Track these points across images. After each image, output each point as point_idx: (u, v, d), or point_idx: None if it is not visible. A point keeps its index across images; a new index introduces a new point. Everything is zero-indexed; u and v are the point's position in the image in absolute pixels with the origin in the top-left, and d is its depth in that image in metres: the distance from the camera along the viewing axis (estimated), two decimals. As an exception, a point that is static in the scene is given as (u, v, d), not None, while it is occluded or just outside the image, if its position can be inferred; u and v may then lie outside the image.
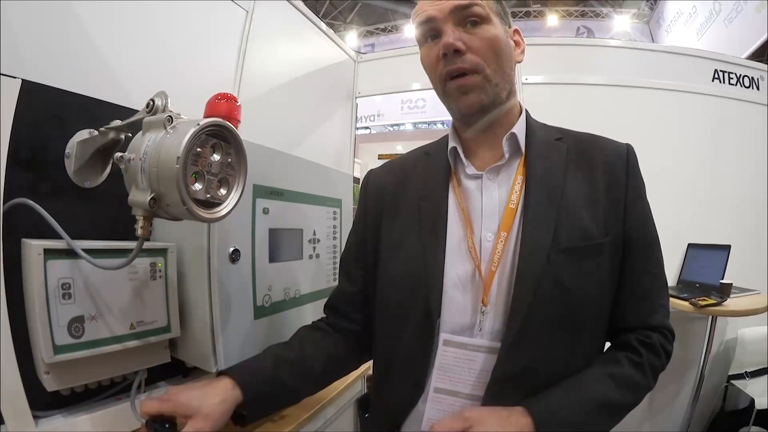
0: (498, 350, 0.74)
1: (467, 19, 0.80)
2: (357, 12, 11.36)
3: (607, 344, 0.86)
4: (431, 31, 0.82)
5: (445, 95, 0.84)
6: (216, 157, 0.72)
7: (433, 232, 0.83)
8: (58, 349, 0.75)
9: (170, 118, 0.69)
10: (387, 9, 10.66)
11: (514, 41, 0.88)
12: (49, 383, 0.77)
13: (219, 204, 0.73)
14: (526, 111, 0.91)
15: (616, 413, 0.77)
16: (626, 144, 0.88)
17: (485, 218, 0.82)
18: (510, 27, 0.88)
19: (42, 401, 0.81)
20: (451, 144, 0.89)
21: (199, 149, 0.68)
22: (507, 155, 0.84)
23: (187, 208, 0.65)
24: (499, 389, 0.73)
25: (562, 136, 0.89)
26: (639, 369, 0.78)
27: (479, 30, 0.80)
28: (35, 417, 0.78)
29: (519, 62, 0.89)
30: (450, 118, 0.93)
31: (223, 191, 0.74)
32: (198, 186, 0.69)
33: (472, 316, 0.78)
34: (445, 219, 0.84)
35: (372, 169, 1.06)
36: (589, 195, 0.81)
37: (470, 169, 0.87)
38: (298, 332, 0.99)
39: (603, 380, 0.76)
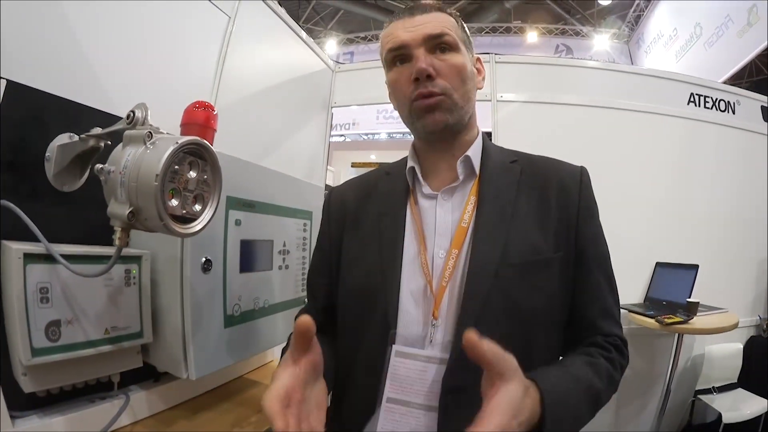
0: (447, 361, 0.77)
1: (438, 46, 0.85)
2: (338, 19, 11.35)
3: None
4: (401, 56, 0.87)
5: (410, 114, 0.88)
6: (192, 174, 0.75)
7: (391, 248, 0.87)
8: (35, 352, 0.77)
9: (150, 134, 0.71)
10: (368, 18, 10.63)
11: (476, 68, 0.94)
12: (27, 384, 0.78)
13: (194, 219, 0.76)
14: (483, 135, 0.96)
15: (598, 401, 0.78)
16: (580, 166, 0.93)
17: (438, 236, 0.86)
18: (473, 55, 0.94)
19: (18, 402, 0.82)
20: (410, 164, 0.93)
21: (176, 167, 0.71)
22: (461, 177, 0.88)
23: (164, 224, 0.68)
24: (451, 400, 0.75)
25: (518, 158, 0.94)
26: (610, 363, 0.82)
27: (448, 57, 0.85)
28: (12, 417, 0.80)
29: (480, 89, 0.94)
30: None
31: (198, 207, 0.77)
32: (175, 202, 0.71)
33: (424, 328, 0.81)
34: (403, 235, 0.87)
35: (333, 187, 1.09)
36: (541, 214, 0.86)
37: (426, 189, 0.91)
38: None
39: (584, 367, 0.79)
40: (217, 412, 1.14)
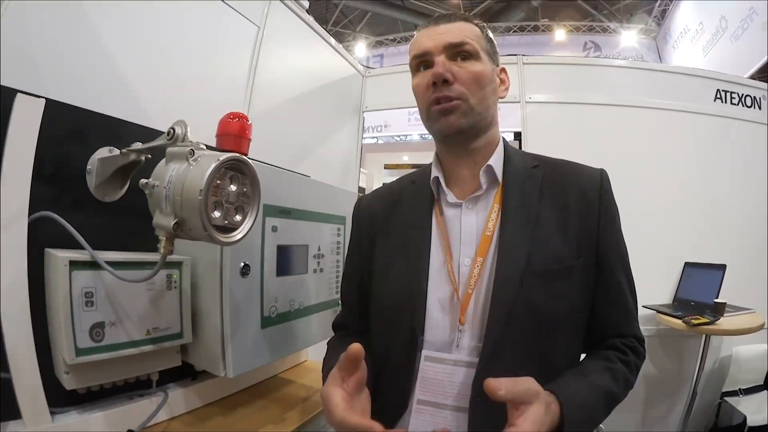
0: (475, 365, 0.81)
1: (458, 54, 0.89)
2: (366, 22, 11.32)
3: (583, 355, 0.93)
4: (424, 62, 0.91)
5: (429, 119, 0.92)
6: (233, 187, 0.80)
7: (417, 258, 0.90)
8: (80, 352, 0.81)
9: (192, 151, 0.76)
10: (396, 20, 10.57)
11: (500, 78, 0.97)
12: (69, 382, 0.83)
13: (235, 229, 0.81)
14: (504, 140, 0.98)
15: (613, 404, 0.83)
16: (600, 169, 0.94)
17: (463, 244, 0.89)
18: (498, 66, 0.96)
19: (58, 398, 0.86)
20: (434, 174, 0.96)
21: (218, 181, 0.76)
22: (484, 186, 0.91)
23: (208, 234, 0.73)
24: (481, 402, 0.78)
25: (539, 163, 0.96)
26: (627, 366, 0.86)
27: (467, 64, 0.89)
28: (52, 413, 0.84)
29: (502, 98, 0.98)
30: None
31: (238, 217, 0.81)
32: (217, 214, 0.76)
33: (451, 334, 0.85)
34: (429, 245, 0.91)
35: (362, 196, 1.14)
36: (562, 220, 0.88)
37: (451, 198, 0.93)
38: (339, 342, 1.03)
39: (603, 372, 0.83)
40: (252, 409, 1.18)
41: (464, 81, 0.87)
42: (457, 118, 0.87)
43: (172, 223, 0.75)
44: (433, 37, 0.90)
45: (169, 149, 0.80)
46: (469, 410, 0.79)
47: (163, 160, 0.81)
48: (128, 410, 0.96)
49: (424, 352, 0.85)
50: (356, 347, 0.69)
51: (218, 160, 0.73)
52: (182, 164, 0.76)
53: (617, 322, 0.91)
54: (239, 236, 0.81)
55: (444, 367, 0.83)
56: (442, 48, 0.88)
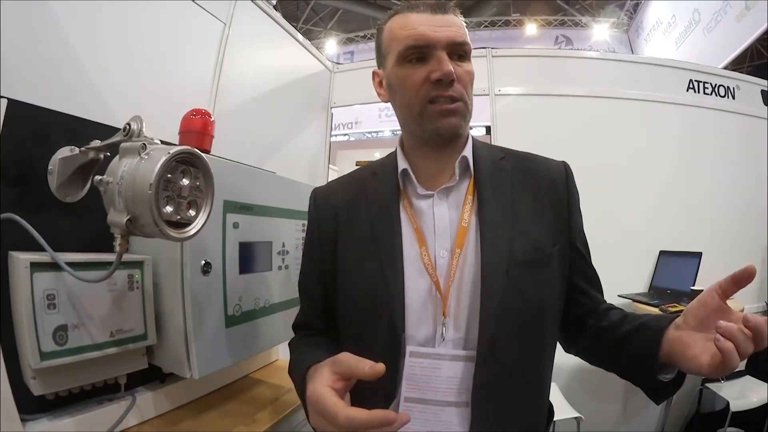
0: (460, 357, 0.80)
1: (457, 53, 0.86)
2: (337, 19, 11.31)
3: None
4: (420, 53, 0.85)
5: (422, 116, 0.86)
6: (185, 181, 0.78)
7: (389, 251, 0.87)
8: (44, 356, 0.80)
9: (144, 146, 0.75)
10: (368, 17, 10.55)
11: None
12: (36, 388, 0.81)
13: (188, 224, 0.79)
14: (470, 134, 0.98)
15: None
16: (563, 162, 0.97)
17: (438, 236, 0.87)
18: None
19: (28, 405, 0.84)
20: (402, 166, 0.93)
21: (169, 175, 0.74)
22: (458, 177, 0.90)
23: (160, 229, 0.72)
24: (483, 395, 0.78)
25: (505, 155, 0.96)
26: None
27: (465, 64, 0.87)
28: (23, 420, 0.82)
29: None
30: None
31: (192, 212, 0.80)
32: (169, 208, 0.75)
33: (434, 327, 0.83)
34: (400, 237, 0.88)
35: (317, 188, 1.07)
36: (536, 210, 0.89)
37: (421, 190, 0.91)
38: (305, 342, 0.99)
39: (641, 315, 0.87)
40: (223, 410, 1.16)
41: (464, 81, 0.86)
42: (458, 120, 0.86)
43: (125, 219, 0.73)
44: (433, 27, 0.84)
45: (123, 144, 0.79)
46: (471, 404, 0.78)
47: (117, 156, 0.79)
48: (98, 415, 0.94)
49: (409, 348, 0.82)
50: (381, 367, 0.66)
51: (168, 153, 0.72)
52: (134, 159, 0.75)
53: (600, 294, 0.97)
54: (193, 231, 0.79)
55: (431, 362, 0.81)
56: (446, 43, 0.84)
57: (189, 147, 0.77)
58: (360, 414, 0.63)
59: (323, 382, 0.69)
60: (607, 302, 0.97)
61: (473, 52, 0.93)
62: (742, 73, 3.47)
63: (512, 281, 0.81)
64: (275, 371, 1.49)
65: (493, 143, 2.54)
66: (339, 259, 0.94)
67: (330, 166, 3.04)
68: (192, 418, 1.10)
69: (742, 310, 2.27)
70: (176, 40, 1.58)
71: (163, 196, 0.73)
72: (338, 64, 3.13)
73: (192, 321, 0.97)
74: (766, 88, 3.29)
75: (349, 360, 0.69)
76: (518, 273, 0.82)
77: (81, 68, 1.20)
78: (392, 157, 0.98)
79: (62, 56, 1.16)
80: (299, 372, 0.82)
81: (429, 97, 0.84)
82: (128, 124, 0.80)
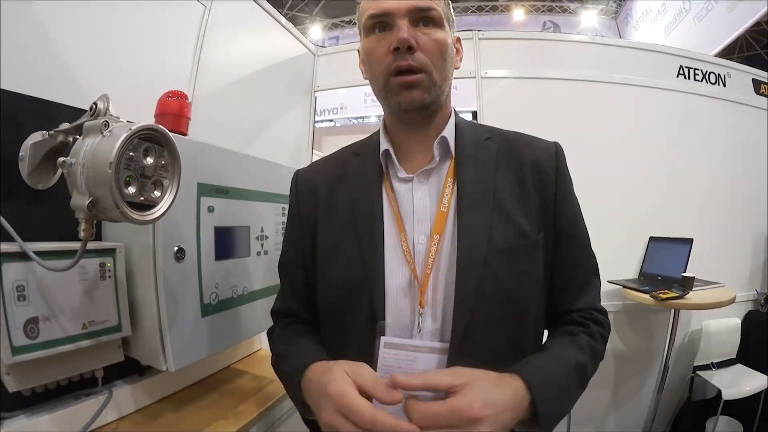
0: (436, 350, 0.76)
1: (422, 19, 0.81)
2: (322, 5, 11.29)
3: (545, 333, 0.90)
4: (381, 23, 0.82)
5: (385, 89, 0.83)
6: (149, 160, 0.74)
7: (370, 237, 0.83)
8: (16, 351, 0.77)
9: (107, 123, 0.71)
10: (353, 2, 10.69)
11: (455, 48, 0.90)
12: (11, 384, 0.79)
13: (154, 206, 0.75)
14: (455, 111, 0.93)
15: (585, 376, 0.80)
16: (554, 142, 0.91)
17: (417, 222, 0.83)
18: (454, 34, 0.90)
19: (5, 403, 0.82)
20: (383, 146, 0.89)
21: (132, 153, 0.70)
22: (438, 158, 0.86)
23: (121, 212, 0.68)
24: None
25: (491, 135, 0.91)
26: (591, 337, 0.83)
27: (431, 31, 0.81)
28: (0, 418, 0.81)
29: (457, 68, 0.91)
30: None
31: (157, 193, 0.76)
32: (132, 189, 0.71)
33: (411, 317, 0.79)
34: (381, 223, 0.84)
35: (299, 170, 1.03)
36: (520, 194, 0.84)
37: (401, 173, 0.87)
38: (291, 332, 0.95)
39: (569, 346, 0.80)
40: (204, 403, 1.14)
41: (428, 50, 0.80)
42: (420, 93, 0.80)
43: (87, 202, 0.69)
44: None
45: (86, 123, 0.74)
46: (446, 398, 0.74)
47: (81, 136, 0.75)
48: (75, 411, 0.92)
49: (384, 339, 0.78)
50: (397, 399, 0.64)
51: (130, 129, 0.68)
52: (96, 138, 0.71)
53: (575, 296, 0.88)
54: (158, 213, 0.75)
55: (406, 354, 0.77)
56: (407, 11, 0.80)
57: (153, 124, 0.73)
58: (387, 419, 0.61)
59: (345, 380, 0.67)
60: (589, 311, 0.88)
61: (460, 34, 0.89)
62: (732, 63, 3.46)
63: (490, 270, 0.77)
64: (258, 361, 1.47)
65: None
66: (319, 242, 0.91)
67: (315, 151, 2.99)
68: (172, 411, 1.08)
69: (734, 299, 2.28)
70: (155, 22, 1.54)
71: (125, 176, 0.70)
72: (321, 46, 3.07)
73: (166, 311, 0.94)
74: (757, 77, 3.27)
75: (369, 377, 0.68)
76: (497, 261, 0.78)
77: (54, 52, 1.17)
78: (375, 137, 0.94)
79: (35, 39, 1.12)
80: (295, 368, 0.79)
81: (391, 69, 0.80)
82: (95, 103, 0.76)
